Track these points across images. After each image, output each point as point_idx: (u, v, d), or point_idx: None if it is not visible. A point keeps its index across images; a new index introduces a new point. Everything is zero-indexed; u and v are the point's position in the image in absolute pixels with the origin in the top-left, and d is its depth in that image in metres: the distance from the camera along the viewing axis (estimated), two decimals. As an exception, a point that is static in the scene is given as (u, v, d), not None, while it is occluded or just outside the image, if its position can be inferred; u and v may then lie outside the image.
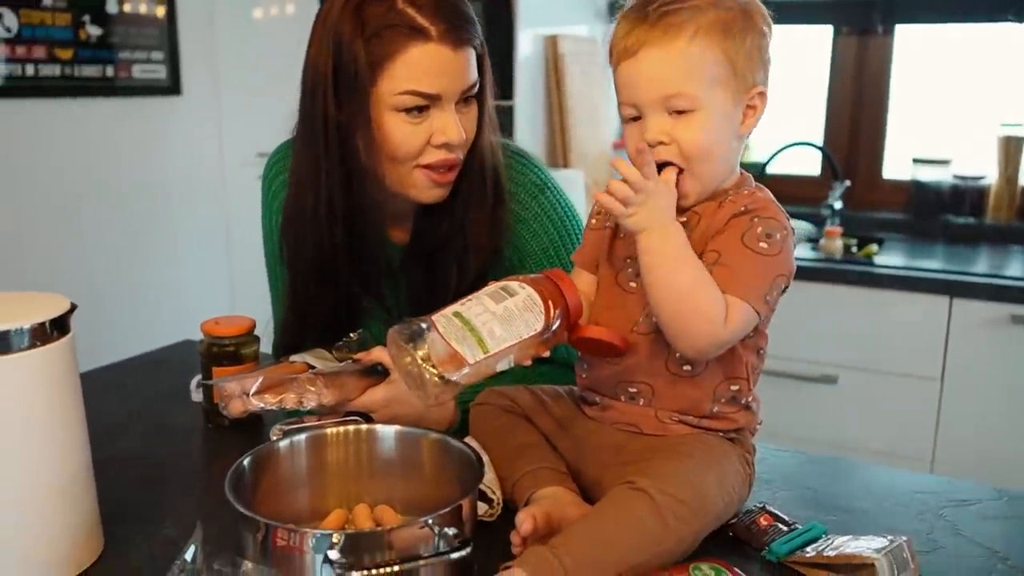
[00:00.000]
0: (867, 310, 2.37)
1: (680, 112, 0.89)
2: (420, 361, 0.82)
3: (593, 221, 1.05)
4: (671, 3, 0.89)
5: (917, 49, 2.87)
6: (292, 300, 1.24)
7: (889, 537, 0.88)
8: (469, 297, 0.87)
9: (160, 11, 2.81)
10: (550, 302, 0.87)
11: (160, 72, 2.84)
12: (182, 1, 2.89)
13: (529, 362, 0.89)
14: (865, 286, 2.37)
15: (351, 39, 1.06)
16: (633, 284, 0.97)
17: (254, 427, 1.23)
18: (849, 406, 2.40)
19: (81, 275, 2.71)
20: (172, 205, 3.01)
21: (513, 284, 0.88)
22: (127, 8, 2.70)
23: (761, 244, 0.89)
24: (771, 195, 0.96)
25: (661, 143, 0.90)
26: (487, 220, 1.18)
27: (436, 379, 0.82)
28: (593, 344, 0.92)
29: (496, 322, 0.84)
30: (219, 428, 1.24)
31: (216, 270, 3.19)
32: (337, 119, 1.09)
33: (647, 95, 0.90)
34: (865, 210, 2.89)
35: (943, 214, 2.76)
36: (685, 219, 0.94)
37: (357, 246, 1.16)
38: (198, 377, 1.30)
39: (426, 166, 1.11)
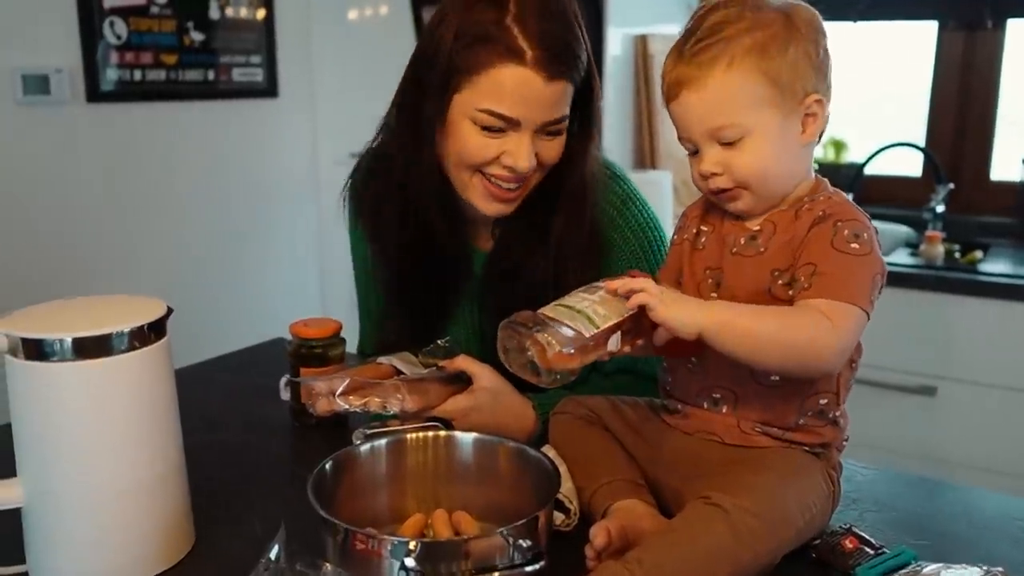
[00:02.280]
0: (970, 319, 2.27)
1: (730, 142, 0.91)
2: (539, 342, 0.84)
3: (675, 237, 1.05)
4: (704, 38, 0.90)
5: (1030, 44, 2.73)
6: (383, 294, 1.26)
7: (984, 567, 0.84)
8: (562, 297, 0.90)
9: (260, 14, 2.90)
10: None
11: (258, 75, 2.93)
12: (280, 5, 2.98)
13: (628, 350, 0.90)
14: (968, 294, 2.27)
15: (448, 37, 1.06)
16: (714, 294, 0.96)
17: (339, 427, 1.26)
18: (948, 420, 2.30)
19: (180, 272, 2.82)
20: (267, 205, 3.10)
21: (598, 283, 0.91)
22: (229, 13, 2.80)
23: (852, 245, 0.88)
24: (848, 197, 0.94)
25: (715, 174, 0.92)
26: (584, 242, 1.17)
27: (558, 352, 0.84)
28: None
29: (597, 304, 0.87)
30: (305, 427, 1.27)
31: (307, 269, 3.28)
32: (420, 108, 1.11)
33: (695, 132, 0.92)
34: (970, 214, 2.76)
35: (1055, 219, 2.62)
36: (758, 227, 0.94)
37: (434, 244, 1.18)
38: (287, 376, 1.34)
39: (487, 176, 1.11)
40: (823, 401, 0.94)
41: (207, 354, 1.61)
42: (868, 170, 2.73)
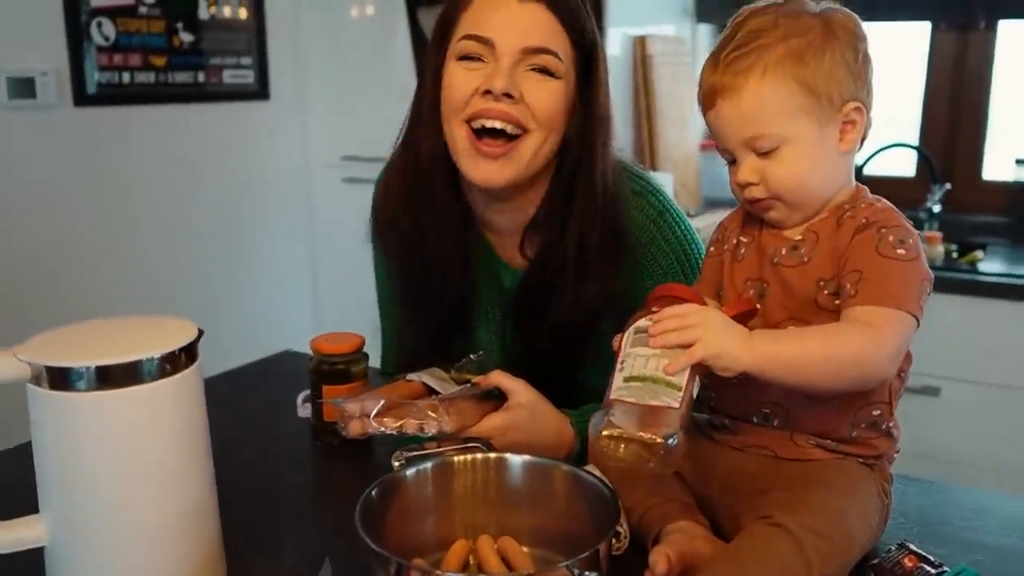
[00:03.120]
0: (972, 319, 2.27)
1: (767, 152, 0.89)
2: (647, 443, 0.79)
3: (712, 248, 1.03)
4: (740, 47, 0.89)
5: (1021, 45, 2.74)
6: (403, 306, 1.23)
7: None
8: (620, 360, 0.84)
9: (243, 13, 2.84)
10: None
11: (248, 77, 2.88)
12: (270, 6, 2.92)
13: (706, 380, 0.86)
14: (970, 294, 2.27)
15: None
16: (758, 305, 0.94)
17: (363, 446, 1.22)
18: (952, 419, 2.31)
19: (170, 279, 2.77)
20: (259, 210, 3.05)
21: (641, 322, 0.85)
22: (218, 13, 2.74)
23: (899, 251, 0.86)
24: (891, 204, 0.92)
25: (751, 184, 0.91)
26: (611, 260, 1.13)
27: (658, 442, 0.79)
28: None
29: (662, 359, 0.82)
30: (328, 446, 1.23)
31: (301, 276, 3.23)
32: (436, 69, 1.12)
33: (731, 141, 0.91)
34: (963, 213, 2.77)
35: (1049, 218, 2.64)
36: (800, 237, 0.92)
37: (456, 240, 1.17)
38: (305, 392, 1.30)
39: (470, 121, 1.08)
40: (876, 412, 0.92)
41: (204, 368, 1.57)
42: (865, 171, 2.73)
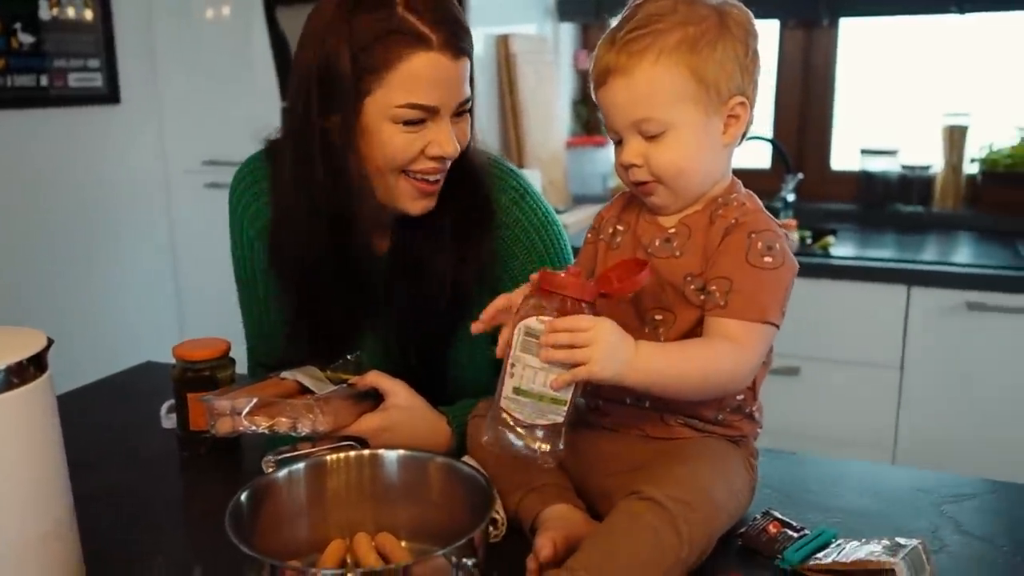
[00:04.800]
0: (826, 302, 2.40)
1: (653, 136, 0.91)
2: (534, 449, 0.86)
3: (589, 235, 1.05)
4: (636, 28, 0.89)
5: (862, 41, 2.92)
6: (286, 314, 1.19)
7: (902, 540, 0.87)
8: (510, 361, 0.86)
9: (96, 16, 2.70)
10: (568, 306, 0.85)
11: (97, 80, 2.73)
12: (118, 7, 2.78)
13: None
14: (824, 278, 2.39)
15: (342, 45, 1.01)
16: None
17: (232, 454, 1.18)
18: (812, 397, 2.43)
19: (18, 292, 2.59)
20: (113, 218, 2.90)
21: (531, 322, 0.85)
22: (61, 13, 2.59)
23: (767, 259, 0.89)
24: (758, 202, 0.96)
25: (635, 165, 0.92)
26: (477, 230, 1.15)
27: (545, 452, 0.86)
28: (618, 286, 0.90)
29: (551, 373, 0.84)
30: (195, 456, 1.18)
31: (162, 284, 3.09)
32: (324, 126, 1.05)
33: (619, 121, 0.92)
34: (815, 201, 2.92)
35: (892, 204, 2.81)
36: (674, 229, 0.94)
37: (342, 255, 1.12)
38: (169, 403, 1.24)
39: (413, 174, 1.07)
40: (740, 398, 0.97)
41: (58, 385, 1.48)
42: (723, 163, 2.84)
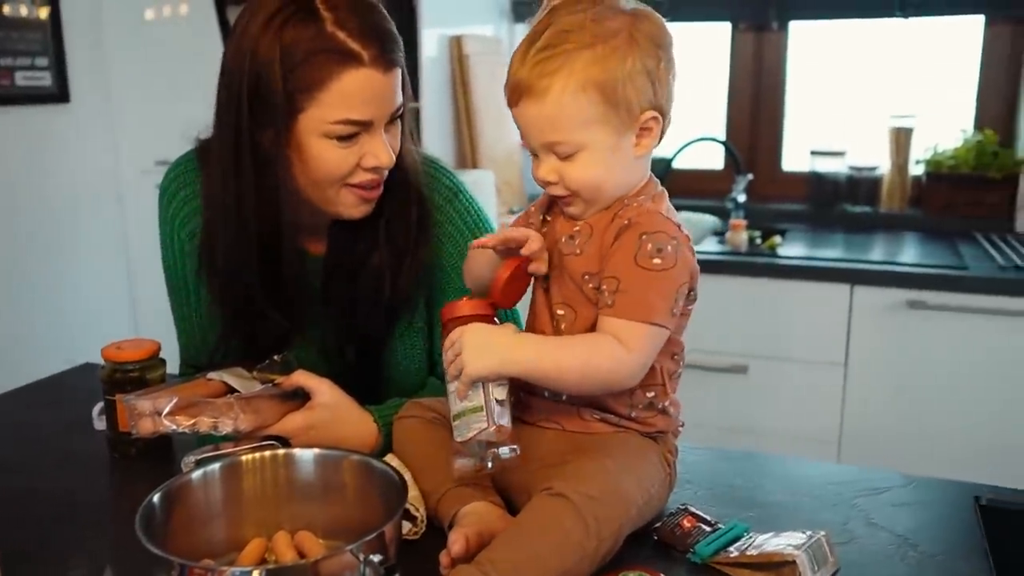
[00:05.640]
0: (773, 300, 2.43)
1: (565, 156, 0.92)
2: (476, 468, 0.93)
3: (519, 220, 1.06)
4: (547, 47, 0.89)
5: (811, 44, 2.96)
6: (214, 318, 1.19)
7: (808, 532, 0.90)
8: (448, 393, 0.94)
9: (43, 13, 2.67)
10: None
11: (45, 79, 2.70)
12: (66, 4, 2.76)
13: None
14: (770, 277, 2.43)
15: (273, 63, 1.00)
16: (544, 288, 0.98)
17: (163, 455, 1.18)
18: (760, 395, 2.47)
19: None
20: (64, 220, 2.87)
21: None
22: (7, 11, 2.56)
23: (655, 261, 0.90)
24: (662, 204, 0.96)
25: (550, 182, 0.94)
26: (413, 230, 1.16)
27: (489, 467, 0.92)
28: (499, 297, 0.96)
29: (471, 393, 0.92)
30: (125, 457, 1.18)
31: (115, 286, 3.07)
32: (254, 140, 1.05)
33: (532, 141, 0.94)
34: (767, 202, 2.97)
35: (840, 204, 2.87)
36: (578, 228, 0.96)
37: (274, 261, 1.12)
38: (100, 404, 1.24)
39: (355, 185, 1.08)
40: (650, 395, 0.98)
41: (5, 386, 1.47)
42: (676, 164, 2.87)
